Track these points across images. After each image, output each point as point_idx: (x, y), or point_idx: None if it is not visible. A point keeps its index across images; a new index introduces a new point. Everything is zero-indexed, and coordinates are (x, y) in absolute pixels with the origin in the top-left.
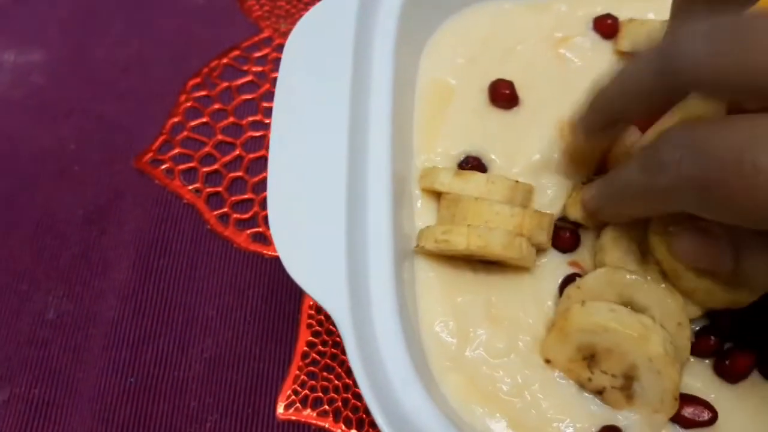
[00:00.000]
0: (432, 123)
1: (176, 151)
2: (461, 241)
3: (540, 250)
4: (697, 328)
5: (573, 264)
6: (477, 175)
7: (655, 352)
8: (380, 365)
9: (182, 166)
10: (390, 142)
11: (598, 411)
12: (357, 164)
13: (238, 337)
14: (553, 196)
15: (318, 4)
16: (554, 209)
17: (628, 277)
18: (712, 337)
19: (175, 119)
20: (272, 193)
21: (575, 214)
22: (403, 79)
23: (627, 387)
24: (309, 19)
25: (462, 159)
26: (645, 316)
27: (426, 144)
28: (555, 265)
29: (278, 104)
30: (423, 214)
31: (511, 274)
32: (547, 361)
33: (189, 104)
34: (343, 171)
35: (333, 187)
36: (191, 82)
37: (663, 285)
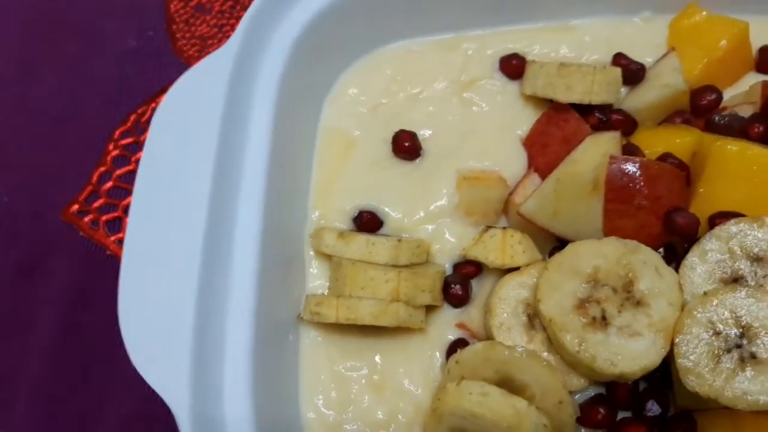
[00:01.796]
0: (329, 177)
1: (101, 201)
2: (331, 314)
3: (432, 308)
4: (591, 395)
5: (460, 326)
6: (358, 237)
7: None
8: None
9: (106, 216)
10: (261, 210)
11: None
12: (218, 240)
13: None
14: (454, 244)
15: (189, 70)
16: (454, 258)
17: (506, 352)
18: (601, 410)
19: (102, 168)
20: (124, 277)
21: (477, 254)
22: (296, 133)
23: None
24: (180, 86)
25: (355, 215)
26: (520, 399)
27: (321, 200)
28: (446, 325)
29: (140, 182)
30: (318, 277)
31: (402, 337)
32: None
33: (116, 152)
34: (197, 252)
35: (185, 272)
36: (120, 130)
37: (545, 361)
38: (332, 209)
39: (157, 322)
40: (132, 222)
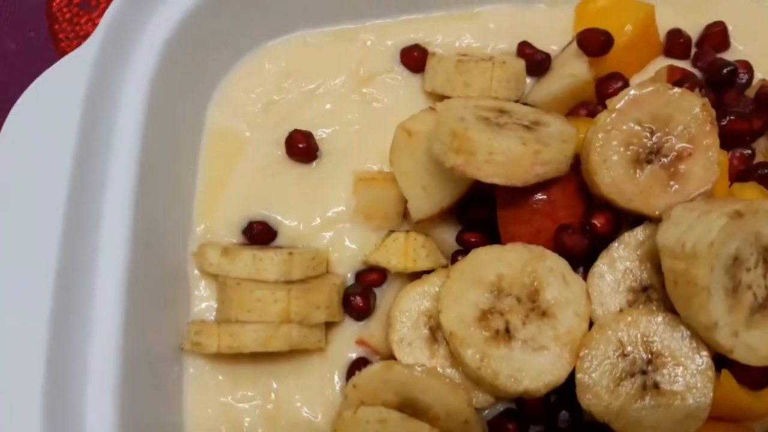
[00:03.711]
0: (216, 185)
1: None
2: (212, 343)
3: (331, 323)
4: (500, 410)
5: (361, 343)
6: (244, 253)
7: None
8: None
9: None
10: (129, 226)
11: None
12: (75, 263)
13: None
14: (355, 251)
15: (45, 72)
16: (356, 267)
17: (405, 372)
18: (510, 426)
19: None
20: None
21: (379, 259)
22: (175, 138)
23: None
24: (35, 89)
25: (245, 226)
26: (421, 424)
27: (207, 212)
28: (348, 342)
29: None
30: (206, 299)
31: (300, 359)
32: None
33: None
34: (50, 277)
35: (35, 300)
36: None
37: (447, 379)
38: (219, 221)
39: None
40: None
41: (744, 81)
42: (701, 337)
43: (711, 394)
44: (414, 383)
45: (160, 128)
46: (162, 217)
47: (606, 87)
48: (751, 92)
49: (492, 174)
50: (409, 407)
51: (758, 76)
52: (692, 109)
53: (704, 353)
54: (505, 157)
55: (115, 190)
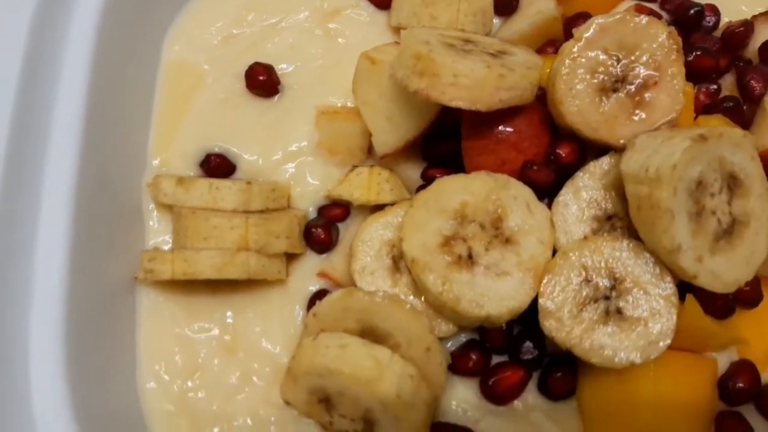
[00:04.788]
0: (173, 118)
1: None
2: (166, 269)
3: (293, 255)
4: (463, 341)
5: (322, 275)
6: (199, 182)
7: (386, 396)
8: None
9: None
10: (76, 160)
11: None
12: (19, 182)
13: None
14: (317, 186)
15: None
16: (318, 202)
17: (366, 299)
18: (473, 356)
19: None
20: None
21: (342, 192)
22: (128, 71)
23: (369, 431)
24: None
25: (202, 158)
26: (382, 348)
27: (163, 145)
28: (309, 274)
29: None
30: (160, 230)
31: (259, 290)
32: (287, 403)
33: None
34: None
35: None
36: None
37: (408, 305)
38: (175, 155)
39: None
40: None
41: (711, 24)
42: (665, 264)
43: (674, 320)
44: (375, 310)
45: (111, 61)
46: (114, 151)
47: (574, 25)
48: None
49: (456, 97)
50: (371, 335)
51: (725, 19)
52: (658, 37)
53: (668, 279)
54: (470, 80)
55: (62, 125)
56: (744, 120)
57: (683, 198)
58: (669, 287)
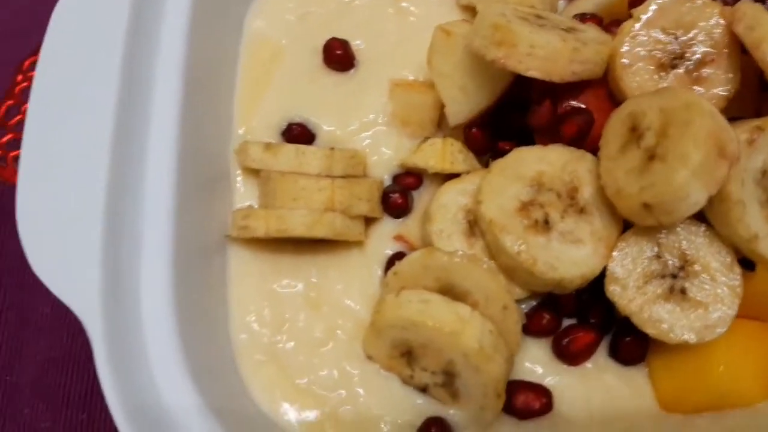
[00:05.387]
0: (255, 90)
1: (9, 136)
2: (260, 225)
3: (371, 220)
4: (534, 304)
5: (398, 239)
6: (286, 147)
7: (468, 347)
8: (146, 371)
9: (15, 153)
10: (177, 127)
11: (424, 405)
12: (128, 149)
13: (74, 338)
14: (390, 155)
15: None
16: (392, 169)
17: (445, 258)
18: (546, 316)
19: (10, 102)
20: (23, 180)
21: (417, 161)
22: (216, 43)
23: (449, 384)
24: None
25: (284, 128)
26: (463, 304)
27: (247, 114)
28: (386, 238)
29: (39, 79)
30: (246, 195)
31: (340, 252)
32: (369, 357)
33: (26, 84)
34: (105, 159)
35: (92, 178)
36: (30, 60)
37: (485, 264)
38: (259, 123)
39: (61, 233)
40: (29, 135)
41: None
42: (745, 253)
43: (735, 310)
44: (454, 269)
45: (203, 37)
46: (206, 121)
47: (637, 5)
48: None
49: (532, 67)
50: (449, 293)
51: None
52: (713, 16)
53: (737, 270)
54: (545, 52)
55: (162, 98)
56: None
57: (751, 188)
58: (736, 279)
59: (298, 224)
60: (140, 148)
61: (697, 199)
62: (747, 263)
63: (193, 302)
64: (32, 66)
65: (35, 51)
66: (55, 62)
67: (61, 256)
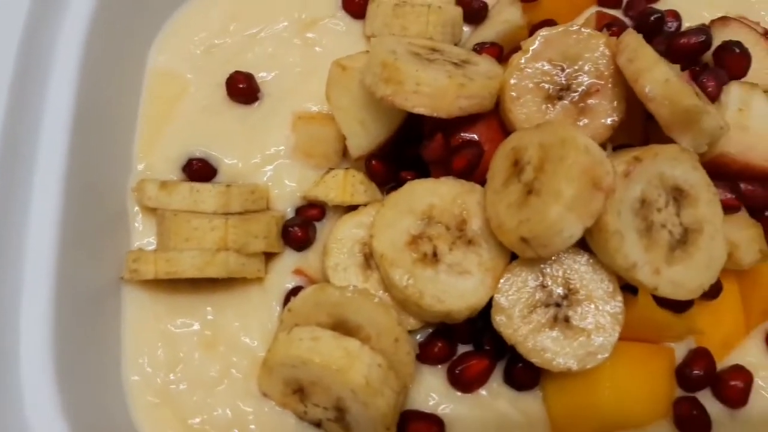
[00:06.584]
0: (157, 125)
1: None
2: (149, 269)
3: (272, 254)
4: (429, 332)
5: (298, 272)
6: (181, 186)
7: (356, 383)
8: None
9: None
10: (64, 166)
11: None
12: (10, 192)
13: None
14: (294, 188)
15: None
16: (295, 203)
17: (337, 294)
18: (439, 344)
19: None
20: None
21: (318, 193)
22: (114, 80)
23: (341, 419)
24: None
25: (185, 163)
26: (353, 340)
27: (147, 150)
28: (287, 272)
29: None
30: (144, 233)
31: (238, 288)
32: (264, 394)
33: None
34: None
35: None
36: None
37: (377, 298)
38: (159, 159)
39: None
40: None
41: (672, 29)
42: (627, 280)
43: (616, 337)
44: (345, 304)
45: (99, 70)
46: (100, 156)
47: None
48: None
49: (418, 104)
50: (342, 328)
51: (686, 24)
52: (598, 48)
53: (619, 298)
54: (431, 89)
55: (50, 131)
56: None
57: (629, 218)
58: (618, 306)
59: (188, 266)
60: (24, 186)
61: (572, 232)
62: (631, 288)
63: (78, 348)
64: None
65: None
66: None
67: None
